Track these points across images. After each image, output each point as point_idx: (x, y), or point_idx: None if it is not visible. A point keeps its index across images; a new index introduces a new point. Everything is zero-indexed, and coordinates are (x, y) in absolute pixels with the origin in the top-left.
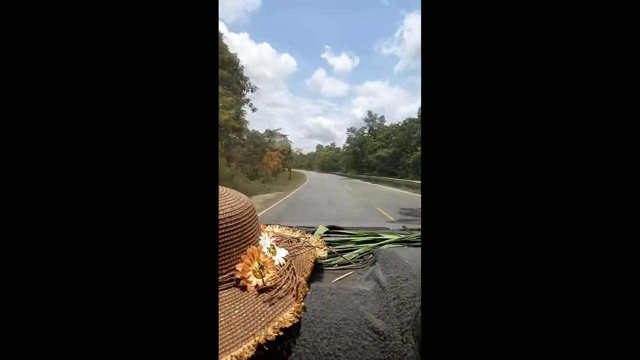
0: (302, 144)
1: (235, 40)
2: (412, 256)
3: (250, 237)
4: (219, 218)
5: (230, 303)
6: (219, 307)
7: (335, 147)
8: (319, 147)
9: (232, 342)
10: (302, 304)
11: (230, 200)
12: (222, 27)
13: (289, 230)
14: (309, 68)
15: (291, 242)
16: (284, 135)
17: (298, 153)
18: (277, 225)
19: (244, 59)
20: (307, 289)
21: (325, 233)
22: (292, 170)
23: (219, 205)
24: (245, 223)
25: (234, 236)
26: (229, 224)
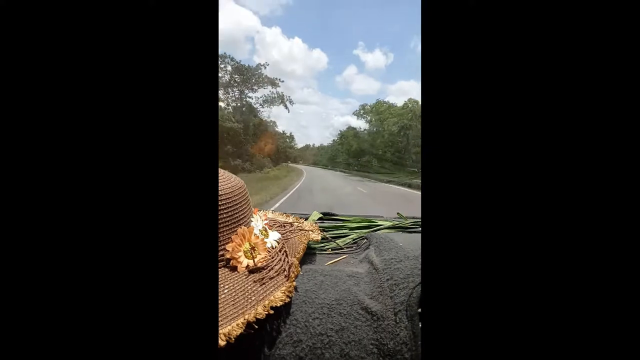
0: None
1: (268, 36)
2: (407, 240)
3: (241, 217)
4: None
5: (219, 282)
6: None
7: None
8: (347, 131)
9: (221, 321)
10: (294, 283)
11: (220, 179)
12: (255, 21)
13: (282, 215)
14: (340, 64)
15: (284, 226)
16: (282, 98)
17: (315, 145)
18: (270, 211)
19: (275, 55)
20: (299, 269)
21: (319, 219)
22: (291, 164)
23: None
24: (235, 203)
25: (224, 216)
26: (219, 204)
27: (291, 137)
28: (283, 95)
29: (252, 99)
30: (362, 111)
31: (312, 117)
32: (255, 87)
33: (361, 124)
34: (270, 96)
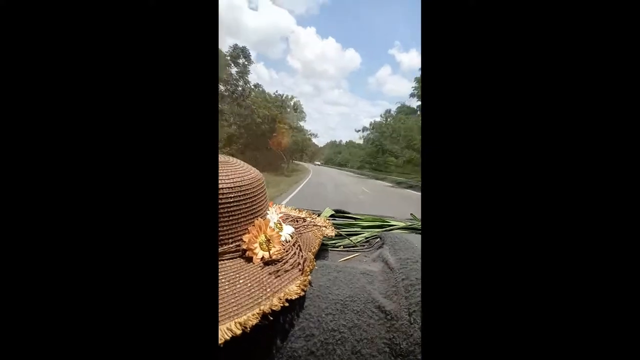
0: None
1: (302, 36)
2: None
3: (258, 209)
4: (229, 187)
5: (235, 272)
6: (224, 276)
7: None
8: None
9: (237, 310)
10: (309, 277)
11: (240, 170)
12: (290, 21)
13: (294, 210)
14: (374, 65)
15: (297, 221)
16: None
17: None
18: (283, 205)
19: (308, 55)
20: (315, 263)
21: (330, 216)
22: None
23: (229, 175)
24: (254, 195)
25: (243, 207)
26: (239, 194)
27: (295, 108)
28: None
29: None
30: None
31: (340, 118)
32: None
33: None
34: None
